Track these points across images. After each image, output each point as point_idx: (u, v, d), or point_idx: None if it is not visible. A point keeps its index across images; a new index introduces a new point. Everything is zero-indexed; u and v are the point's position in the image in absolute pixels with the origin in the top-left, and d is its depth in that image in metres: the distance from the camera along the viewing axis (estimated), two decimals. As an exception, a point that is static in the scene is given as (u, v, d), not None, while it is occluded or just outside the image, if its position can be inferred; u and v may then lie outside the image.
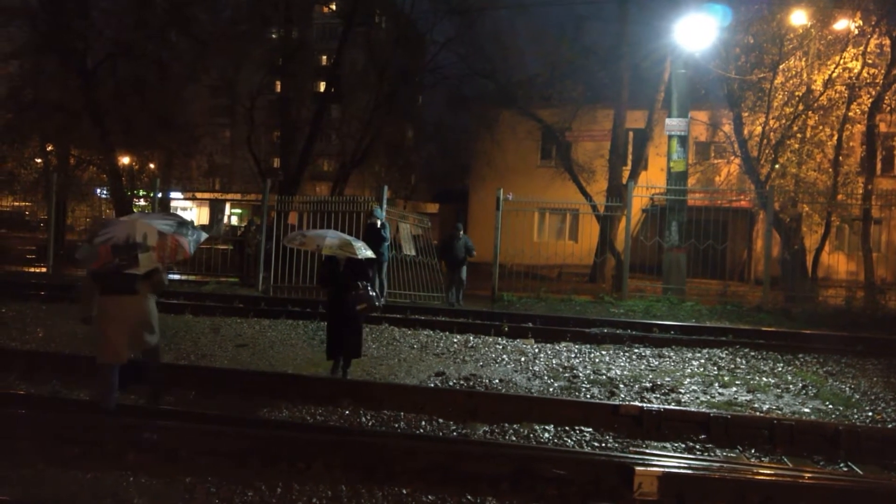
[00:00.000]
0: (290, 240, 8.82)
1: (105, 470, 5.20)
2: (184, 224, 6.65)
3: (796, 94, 18.31)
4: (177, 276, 17.82)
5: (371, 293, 8.16)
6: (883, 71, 17.61)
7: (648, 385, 8.37)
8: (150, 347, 6.62)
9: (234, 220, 55.65)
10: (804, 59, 18.14)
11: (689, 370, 9.38)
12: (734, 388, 8.44)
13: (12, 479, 5.07)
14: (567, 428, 6.71)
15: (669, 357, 10.19)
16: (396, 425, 6.72)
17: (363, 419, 6.86)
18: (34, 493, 4.94)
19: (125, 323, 6.36)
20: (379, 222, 14.13)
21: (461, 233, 15.79)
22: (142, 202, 24.99)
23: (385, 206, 16.28)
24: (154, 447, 5.48)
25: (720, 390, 8.35)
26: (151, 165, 27.58)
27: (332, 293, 8.39)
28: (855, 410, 7.68)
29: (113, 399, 6.38)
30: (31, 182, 24.51)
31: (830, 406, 7.80)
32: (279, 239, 16.05)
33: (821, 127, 18.84)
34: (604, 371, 9.11)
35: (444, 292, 16.05)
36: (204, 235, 6.99)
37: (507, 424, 6.77)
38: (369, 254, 8.27)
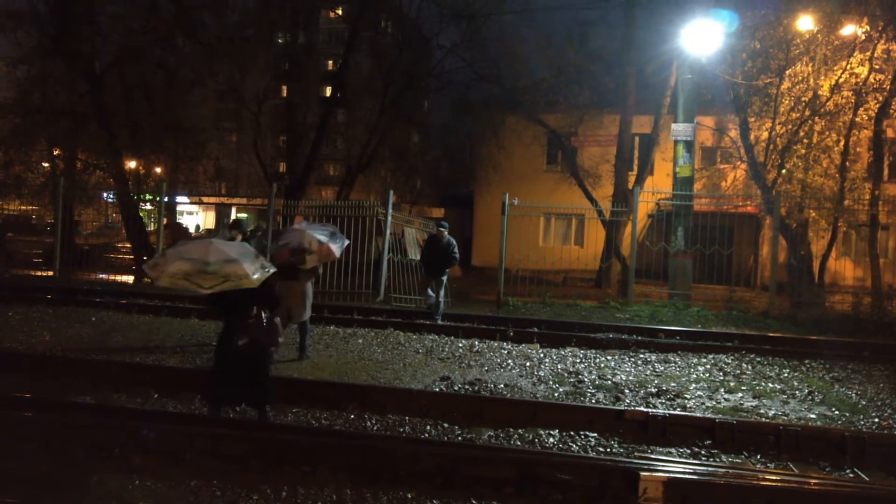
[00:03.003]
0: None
1: (110, 472, 5.22)
2: (334, 234, 9.43)
3: (803, 99, 18.27)
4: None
5: (263, 325, 6.31)
6: (890, 76, 17.55)
7: (654, 390, 8.36)
8: (304, 316, 9.57)
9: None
10: (811, 64, 18.09)
11: (694, 375, 9.36)
12: (740, 394, 8.42)
13: (18, 481, 5.09)
14: (572, 433, 6.70)
15: (675, 362, 10.17)
16: (401, 429, 6.72)
17: (368, 423, 6.86)
18: (40, 495, 4.96)
19: (293, 296, 9.35)
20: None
21: (446, 232, 13.04)
22: (148, 206, 25.07)
23: (391, 210, 16.30)
24: (159, 449, 5.50)
25: (726, 396, 8.33)
26: (158, 169, 27.67)
27: (225, 321, 6.54)
28: (861, 416, 7.66)
29: (279, 344, 9.12)
30: (38, 186, 24.62)
31: (836, 412, 7.78)
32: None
33: (827, 132, 18.79)
34: (609, 376, 9.10)
35: (422, 294, 13.94)
36: (346, 242, 9.77)
37: (512, 429, 6.76)
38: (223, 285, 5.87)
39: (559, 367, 9.59)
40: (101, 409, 6.73)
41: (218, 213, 58.77)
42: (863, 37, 17.69)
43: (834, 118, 18.46)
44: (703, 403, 7.93)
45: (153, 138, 23.45)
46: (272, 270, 6.30)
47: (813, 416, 7.62)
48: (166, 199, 20.03)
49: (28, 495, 4.91)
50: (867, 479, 5.86)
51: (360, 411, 7.09)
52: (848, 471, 6.11)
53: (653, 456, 6.12)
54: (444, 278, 13.20)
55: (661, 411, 7.02)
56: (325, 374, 8.76)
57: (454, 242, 13.08)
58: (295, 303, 9.44)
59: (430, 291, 13.08)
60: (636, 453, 6.24)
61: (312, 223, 11.08)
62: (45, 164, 25.76)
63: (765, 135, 18.91)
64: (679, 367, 9.91)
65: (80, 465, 5.34)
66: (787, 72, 18.21)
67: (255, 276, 5.93)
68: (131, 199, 22.64)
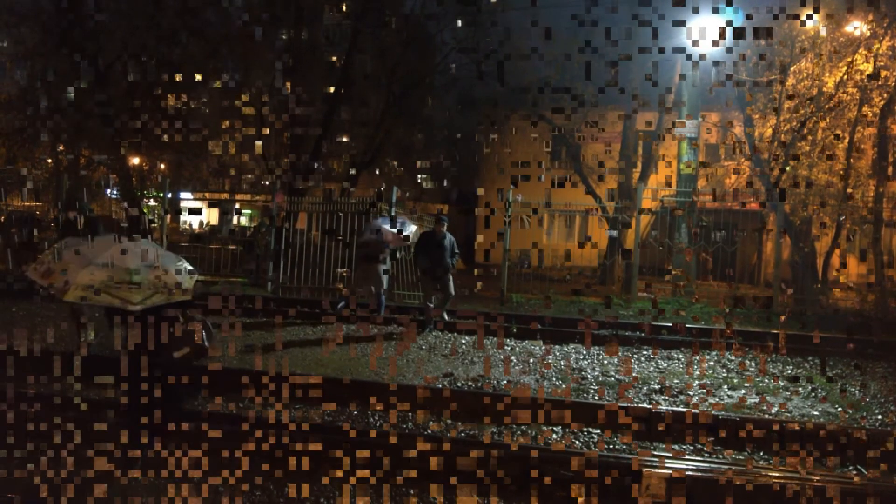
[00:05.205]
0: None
1: (114, 470, 5.22)
2: (404, 223, 12.61)
3: (807, 96, 18.21)
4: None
5: (203, 331, 5.60)
6: (895, 73, 17.50)
7: (657, 387, 8.35)
8: (381, 288, 12.19)
9: (244, 221, 55.86)
10: (815, 60, 18.03)
11: (697, 372, 9.35)
12: (743, 391, 8.41)
13: (22, 478, 5.11)
14: (575, 429, 6.70)
15: (678, 359, 10.17)
16: (404, 426, 6.72)
17: (371, 420, 6.86)
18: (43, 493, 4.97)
19: (372, 276, 12.03)
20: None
21: (445, 227, 11.90)
22: (152, 202, 25.08)
23: (394, 206, 16.28)
24: (161, 447, 5.50)
25: (729, 392, 8.32)
26: (162, 166, 27.69)
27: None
28: (864, 413, 7.65)
29: (380, 304, 12.23)
30: (41, 182, 24.65)
31: (840, 409, 7.77)
32: (288, 240, 16.11)
33: (832, 129, 18.73)
34: (612, 372, 9.10)
35: (423, 304, 12.32)
36: (413, 227, 12.89)
37: (515, 425, 6.76)
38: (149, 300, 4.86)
39: (562, 363, 9.59)
40: (104, 406, 6.73)
41: (221, 209, 58.78)
42: (868, 33, 17.62)
43: (838, 115, 18.40)
44: (706, 400, 7.92)
45: (157, 135, 23.46)
46: (196, 276, 5.29)
47: (816, 412, 7.61)
48: (170, 195, 20.03)
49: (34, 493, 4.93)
50: (870, 476, 5.85)
51: (363, 408, 7.09)
52: (851, 468, 6.10)
53: (656, 453, 6.12)
54: (450, 278, 11.90)
55: (664, 408, 7.02)
56: (329, 370, 8.76)
57: (454, 241, 11.97)
58: (374, 280, 12.03)
59: (430, 303, 11.92)
60: (639, 450, 6.24)
61: (385, 217, 13.61)
62: (49, 161, 25.79)
63: (769, 132, 18.86)
64: (682, 363, 9.90)
65: (85, 462, 5.36)
66: (792, 68, 18.14)
67: (185, 286, 4.94)
68: (135, 195, 22.66)
